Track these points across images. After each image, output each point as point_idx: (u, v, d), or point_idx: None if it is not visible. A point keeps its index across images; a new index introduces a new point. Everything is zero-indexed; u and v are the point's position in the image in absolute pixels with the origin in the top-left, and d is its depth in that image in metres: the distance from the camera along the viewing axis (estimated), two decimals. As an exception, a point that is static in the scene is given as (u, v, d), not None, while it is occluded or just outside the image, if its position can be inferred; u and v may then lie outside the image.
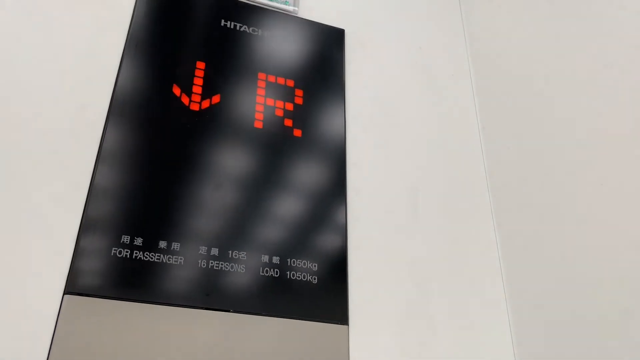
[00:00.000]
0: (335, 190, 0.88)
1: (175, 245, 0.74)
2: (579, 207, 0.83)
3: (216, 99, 0.86)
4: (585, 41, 0.88)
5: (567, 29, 0.93)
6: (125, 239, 0.71)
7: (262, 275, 0.76)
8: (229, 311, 0.73)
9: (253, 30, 0.95)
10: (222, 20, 0.94)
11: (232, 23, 0.94)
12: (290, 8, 1.01)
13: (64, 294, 0.66)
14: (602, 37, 0.85)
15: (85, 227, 0.70)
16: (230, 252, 0.76)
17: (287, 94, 0.92)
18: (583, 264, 0.80)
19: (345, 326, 0.78)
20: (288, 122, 0.90)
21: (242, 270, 0.76)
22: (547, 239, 0.87)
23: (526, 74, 1.00)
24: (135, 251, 0.71)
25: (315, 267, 0.80)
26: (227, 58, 0.91)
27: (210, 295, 0.73)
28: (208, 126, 0.84)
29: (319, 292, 0.78)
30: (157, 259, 0.72)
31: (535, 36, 1.00)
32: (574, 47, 0.90)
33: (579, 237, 0.81)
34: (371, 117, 0.98)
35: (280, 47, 0.96)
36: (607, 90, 0.82)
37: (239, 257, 0.76)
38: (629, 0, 0.81)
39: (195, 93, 0.85)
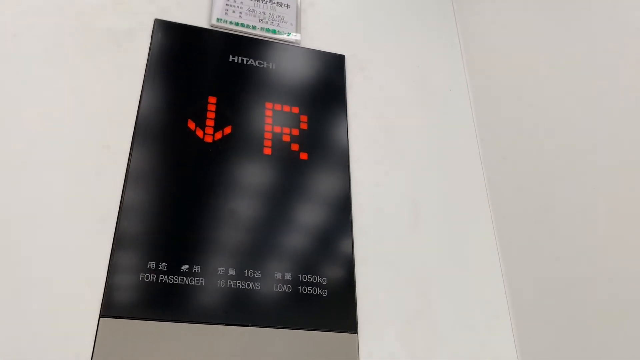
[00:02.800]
0: (341, 208, 0.95)
1: (196, 268, 0.82)
2: (575, 212, 0.88)
3: (227, 130, 0.94)
4: (579, 54, 0.94)
5: (562, 42, 0.98)
6: (151, 264, 0.80)
7: (276, 291, 0.84)
8: (247, 325, 0.80)
9: (259, 63, 1.03)
10: (230, 56, 1.02)
11: (239, 58, 1.02)
12: (293, 39, 1.08)
13: (100, 317, 0.74)
14: (598, 50, 0.90)
15: (115, 256, 0.79)
16: (246, 271, 0.84)
17: (293, 121, 0.99)
18: (580, 266, 0.85)
19: (354, 334, 0.84)
20: (295, 147, 0.97)
21: (258, 287, 0.83)
22: (546, 244, 0.92)
23: (521, 85, 1.06)
24: (160, 275, 0.79)
25: (324, 281, 0.87)
26: (236, 91, 0.98)
27: (230, 311, 0.80)
28: (221, 156, 0.92)
29: (329, 304, 0.86)
30: (180, 281, 0.80)
31: (529, 49, 1.06)
32: (568, 59, 0.96)
33: (575, 240, 0.87)
34: (372, 136, 1.05)
35: (285, 77, 1.04)
36: (603, 101, 0.87)
37: (254, 275, 0.84)
38: (633, 15, 0.86)
39: (209, 126, 0.93)
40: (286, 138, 0.97)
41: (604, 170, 0.85)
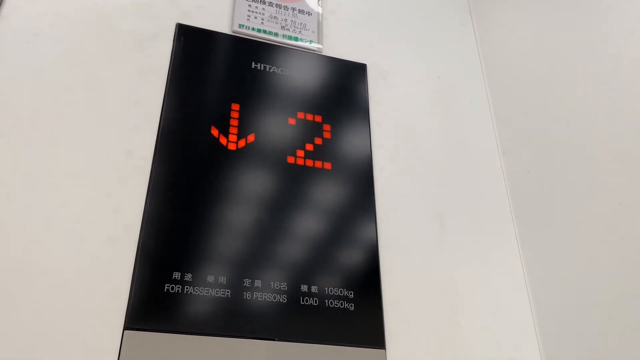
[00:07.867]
0: (366, 219, 0.93)
1: (222, 279, 0.79)
2: (602, 227, 0.87)
3: (251, 138, 0.92)
4: (603, 64, 0.93)
5: (586, 53, 0.97)
6: (177, 275, 0.77)
7: (302, 304, 0.81)
8: (274, 339, 0.78)
9: (281, 71, 1.01)
10: (253, 63, 1.00)
11: (262, 65, 1.00)
12: (315, 47, 1.06)
13: (124, 329, 0.71)
14: (624, 60, 0.90)
15: (140, 267, 0.76)
16: (272, 283, 0.81)
17: (316, 129, 0.97)
18: (609, 282, 0.84)
19: (382, 350, 0.82)
20: (318, 156, 0.95)
21: (284, 300, 0.81)
22: (572, 260, 0.91)
23: (543, 97, 1.05)
24: (186, 286, 0.76)
25: (351, 294, 0.85)
26: (259, 98, 0.96)
27: (256, 325, 0.77)
28: (246, 164, 0.89)
29: (356, 318, 0.83)
30: (206, 292, 0.77)
31: (550, 60, 1.05)
32: (591, 71, 0.95)
33: (603, 256, 0.85)
34: (395, 146, 1.03)
35: (307, 85, 1.02)
36: (630, 114, 0.86)
37: (280, 287, 0.81)
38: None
39: (232, 133, 0.91)
40: (309, 147, 0.95)
41: (631, 185, 0.84)
